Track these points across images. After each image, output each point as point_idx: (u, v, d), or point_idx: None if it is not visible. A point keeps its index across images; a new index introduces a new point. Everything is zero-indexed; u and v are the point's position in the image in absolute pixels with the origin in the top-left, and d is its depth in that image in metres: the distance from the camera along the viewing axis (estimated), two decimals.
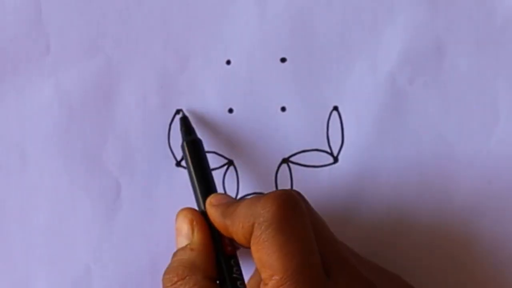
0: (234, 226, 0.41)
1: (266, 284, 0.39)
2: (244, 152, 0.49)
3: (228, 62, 0.49)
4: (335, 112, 0.49)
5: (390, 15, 0.48)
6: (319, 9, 0.48)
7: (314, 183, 0.48)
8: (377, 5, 0.48)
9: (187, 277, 0.42)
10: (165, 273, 0.43)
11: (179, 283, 0.42)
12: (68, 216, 0.49)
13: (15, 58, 0.49)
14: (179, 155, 0.49)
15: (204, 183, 0.45)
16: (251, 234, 0.40)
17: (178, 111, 0.49)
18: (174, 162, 0.49)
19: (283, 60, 0.49)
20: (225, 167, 0.49)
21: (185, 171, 0.48)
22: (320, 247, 0.41)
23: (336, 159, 0.49)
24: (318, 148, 0.49)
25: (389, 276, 0.45)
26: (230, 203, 0.43)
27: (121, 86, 0.49)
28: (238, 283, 0.42)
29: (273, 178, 0.49)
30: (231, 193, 0.49)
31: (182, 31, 0.49)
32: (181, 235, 0.44)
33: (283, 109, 0.49)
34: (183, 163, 0.49)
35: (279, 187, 0.49)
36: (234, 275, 0.42)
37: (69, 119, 0.49)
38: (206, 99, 0.49)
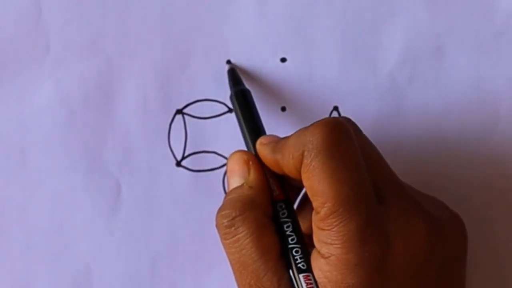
0: (284, 159, 0.41)
1: (318, 213, 0.39)
2: None
3: (228, 62, 0.49)
4: (335, 112, 0.49)
5: (390, 15, 0.48)
6: (319, 9, 0.49)
7: None
8: (377, 5, 0.48)
9: (247, 213, 0.41)
10: (220, 209, 0.42)
11: (237, 218, 0.41)
12: (68, 216, 0.49)
13: (15, 58, 0.49)
14: (179, 155, 0.49)
15: (254, 128, 0.45)
16: (301, 163, 0.40)
17: (178, 111, 0.49)
18: (174, 162, 0.49)
19: (283, 60, 0.49)
20: (225, 167, 0.49)
21: (185, 171, 0.49)
22: (372, 172, 0.40)
23: None
24: None
25: (438, 202, 0.44)
26: (280, 139, 0.42)
27: (121, 86, 0.49)
28: (285, 226, 0.42)
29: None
30: None
31: (182, 31, 0.49)
32: (236, 175, 0.43)
33: (283, 109, 0.49)
34: (183, 163, 0.49)
35: None
36: (281, 220, 0.42)
37: (69, 119, 0.49)
38: (206, 99, 0.49)
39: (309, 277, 0.40)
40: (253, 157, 0.43)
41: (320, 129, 0.40)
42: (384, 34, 0.49)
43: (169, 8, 0.49)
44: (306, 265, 0.40)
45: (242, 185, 0.43)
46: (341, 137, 0.40)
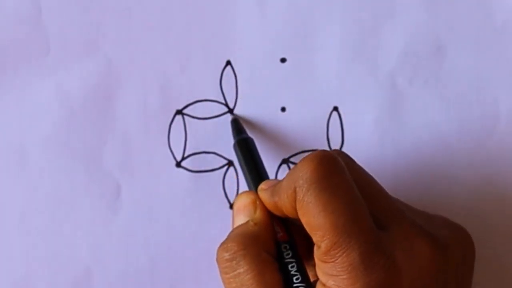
0: (281, 200, 0.41)
1: (319, 247, 0.39)
2: None
3: (228, 63, 0.49)
4: (335, 113, 0.49)
5: (390, 15, 0.48)
6: (319, 9, 0.48)
7: None
8: (377, 5, 0.48)
9: (249, 247, 0.40)
10: (223, 243, 0.41)
11: (239, 253, 0.40)
12: (68, 216, 0.49)
13: (15, 58, 0.48)
14: (179, 155, 0.49)
15: (256, 175, 0.45)
16: (295, 200, 0.40)
17: (178, 112, 0.49)
18: (174, 162, 0.49)
19: (283, 60, 0.49)
20: (225, 167, 0.49)
21: (185, 172, 0.49)
22: (370, 201, 0.40)
23: None
24: (318, 149, 0.49)
25: (441, 220, 0.44)
26: (277, 182, 0.42)
27: (121, 86, 0.49)
28: (290, 266, 0.41)
29: (274, 178, 0.49)
30: (231, 194, 0.49)
31: (182, 31, 0.48)
32: (241, 214, 0.43)
33: (283, 109, 0.49)
34: (183, 163, 0.49)
35: None
36: (286, 260, 0.42)
37: (69, 120, 0.49)
38: (206, 99, 0.49)
39: None
40: (259, 198, 0.43)
41: (308, 163, 0.39)
42: (384, 34, 0.48)
43: (169, 8, 0.49)
44: None
45: (247, 222, 0.42)
46: (330, 168, 0.39)
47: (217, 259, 0.41)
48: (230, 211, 0.49)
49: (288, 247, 0.42)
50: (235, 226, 0.43)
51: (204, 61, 0.49)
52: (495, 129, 0.49)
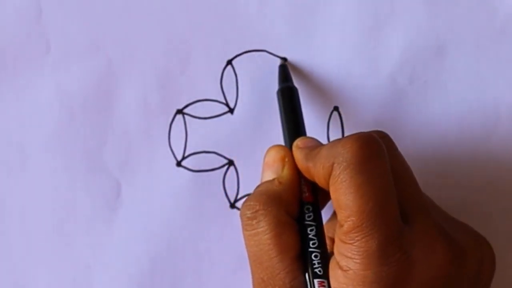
0: (315, 168, 0.41)
1: (342, 226, 0.39)
2: (245, 152, 0.49)
3: (229, 62, 0.49)
4: (335, 113, 0.49)
5: (390, 15, 0.49)
6: (319, 9, 0.49)
7: None
8: (378, 5, 0.48)
9: (270, 208, 0.41)
10: (246, 200, 0.42)
11: (260, 212, 0.41)
12: (68, 216, 0.49)
13: (15, 58, 0.48)
14: (179, 155, 0.49)
15: (294, 127, 0.45)
16: (330, 175, 0.40)
17: (178, 111, 0.49)
18: (175, 162, 0.49)
19: (283, 60, 0.49)
20: (226, 167, 0.49)
21: (186, 171, 0.49)
22: (400, 192, 0.40)
23: None
24: None
25: (465, 227, 0.44)
26: (315, 146, 0.42)
27: (122, 86, 0.49)
28: (309, 229, 0.41)
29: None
30: (231, 193, 0.49)
31: (182, 31, 0.49)
32: (270, 169, 0.43)
33: None
34: (184, 163, 0.49)
35: None
36: (306, 222, 0.42)
37: (69, 119, 0.49)
38: (207, 99, 0.49)
39: (323, 284, 0.40)
40: (289, 154, 0.43)
41: (351, 143, 0.40)
42: (385, 34, 0.49)
43: (169, 8, 0.49)
44: (323, 271, 0.40)
45: (273, 179, 0.43)
46: (371, 153, 0.39)
47: (240, 215, 0.42)
48: (231, 210, 0.49)
49: (310, 209, 0.42)
50: (262, 181, 0.43)
51: (204, 60, 0.49)
52: (495, 129, 0.49)
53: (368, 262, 0.38)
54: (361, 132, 0.41)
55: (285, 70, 0.48)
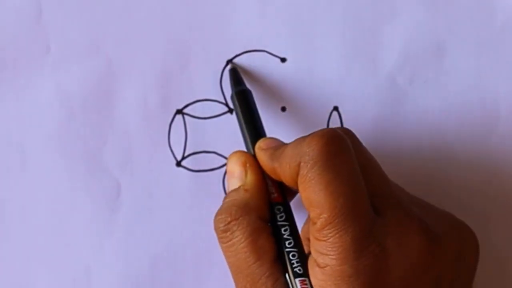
0: (281, 168, 0.41)
1: (315, 223, 0.39)
2: None
3: (230, 62, 0.49)
4: (335, 113, 0.49)
5: (390, 15, 0.48)
6: (319, 9, 0.49)
7: None
8: (377, 5, 0.48)
9: (241, 218, 0.41)
10: (217, 214, 0.42)
11: (232, 223, 0.41)
12: (68, 216, 0.49)
13: (16, 58, 0.49)
14: (179, 155, 0.49)
15: (253, 129, 0.45)
16: (298, 174, 0.40)
17: (178, 111, 0.49)
18: (175, 162, 0.49)
19: (283, 60, 0.49)
20: (225, 167, 0.49)
21: (185, 171, 0.49)
22: (370, 185, 0.41)
23: None
24: None
25: (443, 214, 0.44)
26: (279, 146, 0.43)
27: (122, 86, 0.49)
28: (283, 230, 0.41)
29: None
30: None
31: (182, 31, 0.49)
32: (234, 177, 0.43)
33: (283, 109, 0.49)
34: (183, 163, 0.49)
35: None
36: (279, 223, 0.42)
37: (69, 119, 0.49)
38: (206, 99, 0.49)
39: (305, 282, 0.40)
40: (251, 159, 0.44)
41: (316, 141, 0.40)
42: (384, 34, 0.49)
43: (169, 8, 0.49)
44: (303, 269, 0.40)
45: (239, 188, 0.43)
46: (337, 149, 0.40)
47: (214, 229, 0.42)
48: None
49: (281, 209, 0.42)
50: (228, 190, 0.43)
51: (204, 60, 0.49)
52: (495, 128, 0.49)
53: (344, 257, 0.38)
54: (324, 129, 0.41)
55: (236, 74, 0.48)
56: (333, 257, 0.39)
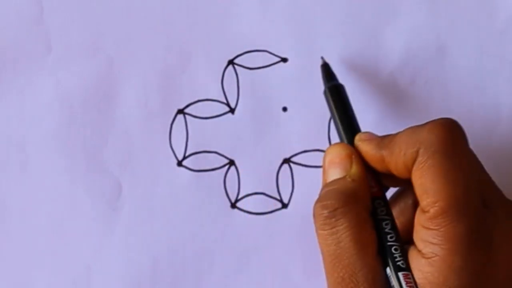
0: (393, 155, 0.41)
1: (426, 211, 0.39)
2: (245, 152, 0.49)
3: (230, 62, 0.49)
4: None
5: (391, 15, 0.49)
6: (320, 9, 0.49)
7: (316, 184, 0.48)
8: (378, 6, 0.49)
9: (350, 205, 0.41)
10: (321, 199, 0.41)
11: (339, 210, 0.41)
12: (68, 216, 0.49)
13: (16, 58, 0.48)
14: (180, 154, 0.49)
15: (350, 124, 0.45)
16: (413, 160, 0.40)
17: (179, 111, 0.49)
18: (176, 162, 0.49)
19: (284, 60, 0.49)
20: (226, 167, 0.49)
21: (186, 171, 0.48)
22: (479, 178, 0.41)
23: None
24: (319, 149, 0.49)
25: None
26: (384, 136, 0.42)
27: (122, 85, 0.49)
28: (384, 223, 0.41)
29: (274, 178, 0.49)
30: (232, 193, 0.49)
31: (183, 31, 0.49)
32: (336, 167, 0.43)
33: (284, 109, 0.49)
34: (185, 162, 0.49)
35: (280, 187, 0.49)
36: (380, 217, 0.42)
37: (70, 119, 0.49)
38: (208, 99, 0.49)
39: (408, 276, 0.40)
40: (355, 152, 0.43)
41: (439, 129, 0.40)
42: (385, 34, 0.49)
43: (170, 8, 0.49)
44: (405, 264, 0.40)
45: (344, 177, 0.42)
46: (459, 138, 0.40)
47: (314, 215, 0.41)
48: (232, 210, 0.49)
49: (382, 203, 0.42)
50: (328, 180, 0.43)
51: (205, 60, 0.49)
52: (495, 129, 0.49)
53: (456, 248, 0.38)
54: (445, 118, 0.41)
55: (328, 69, 0.47)
56: (445, 247, 0.38)
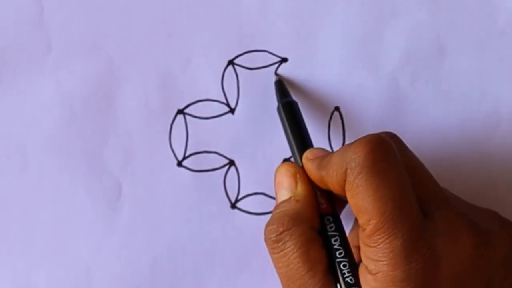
0: (328, 176, 0.41)
1: (364, 230, 0.39)
2: (245, 152, 0.49)
3: (230, 62, 0.49)
4: (336, 113, 0.49)
5: (391, 15, 0.49)
6: (320, 9, 0.49)
7: None
8: (379, 6, 0.48)
9: (293, 228, 0.41)
10: (268, 224, 0.42)
11: (284, 233, 0.41)
12: (69, 216, 0.49)
13: (16, 58, 0.48)
14: (180, 155, 0.49)
15: (301, 140, 0.45)
16: (345, 181, 0.40)
17: (179, 111, 0.49)
18: (176, 162, 0.49)
19: (284, 60, 0.49)
20: (226, 167, 0.49)
21: (186, 171, 0.49)
22: (417, 188, 0.41)
23: None
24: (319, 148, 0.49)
25: (490, 213, 0.45)
26: (325, 155, 0.43)
27: (122, 85, 0.49)
28: (333, 240, 0.42)
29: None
30: (232, 193, 0.49)
31: (183, 31, 0.49)
32: (283, 188, 0.43)
33: None
34: (184, 163, 0.49)
35: None
36: (329, 233, 0.42)
37: (70, 119, 0.49)
38: (208, 99, 0.49)
39: None
40: (300, 170, 0.44)
41: (362, 147, 0.40)
42: (386, 34, 0.49)
43: (170, 8, 0.49)
44: (354, 279, 0.40)
45: (290, 198, 0.43)
46: (383, 154, 0.40)
47: (264, 240, 0.42)
48: (232, 211, 0.49)
49: (331, 220, 0.42)
50: (278, 201, 0.43)
51: (205, 60, 0.49)
52: (496, 129, 0.49)
53: (396, 262, 0.38)
54: (370, 135, 0.41)
55: (282, 85, 0.48)
56: (385, 262, 0.39)
